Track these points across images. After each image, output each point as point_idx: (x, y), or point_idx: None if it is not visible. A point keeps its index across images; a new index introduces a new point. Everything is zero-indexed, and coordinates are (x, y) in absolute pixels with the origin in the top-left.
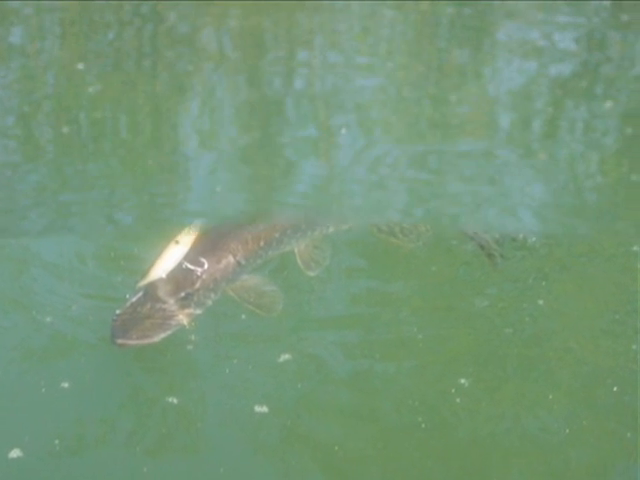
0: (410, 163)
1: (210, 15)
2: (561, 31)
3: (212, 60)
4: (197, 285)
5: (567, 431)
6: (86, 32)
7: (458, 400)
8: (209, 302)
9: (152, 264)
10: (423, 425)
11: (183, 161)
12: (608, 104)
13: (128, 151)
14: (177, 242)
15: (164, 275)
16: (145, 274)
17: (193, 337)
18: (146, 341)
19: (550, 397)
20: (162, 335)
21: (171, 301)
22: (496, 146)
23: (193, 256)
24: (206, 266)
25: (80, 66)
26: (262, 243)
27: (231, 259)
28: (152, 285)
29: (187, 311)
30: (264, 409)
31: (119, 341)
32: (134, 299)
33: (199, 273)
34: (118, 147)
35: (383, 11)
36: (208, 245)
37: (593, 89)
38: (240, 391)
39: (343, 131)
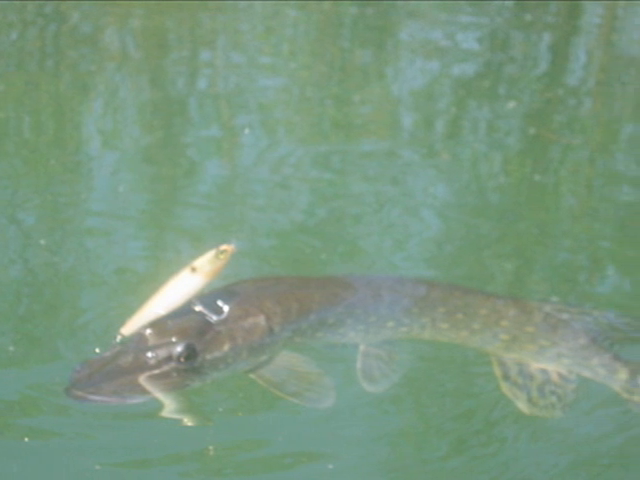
0: (313, 163)
1: (113, 15)
2: (464, 31)
3: (115, 60)
4: (207, 342)
5: None
6: None
7: None
8: (215, 375)
9: (148, 299)
10: None
11: (86, 161)
12: (511, 104)
13: (31, 151)
14: (193, 269)
15: (163, 317)
16: (136, 313)
17: None
18: (115, 401)
19: None
20: (138, 399)
21: (163, 356)
22: (399, 146)
23: (210, 300)
24: (224, 316)
25: None
26: (312, 317)
27: (262, 321)
28: (143, 330)
29: (181, 377)
30: None
31: (77, 393)
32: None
33: (214, 326)
34: (21, 147)
35: (286, 11)
36: (236, 293)
37: (496, 89)
38: None
39: (246, 131)
